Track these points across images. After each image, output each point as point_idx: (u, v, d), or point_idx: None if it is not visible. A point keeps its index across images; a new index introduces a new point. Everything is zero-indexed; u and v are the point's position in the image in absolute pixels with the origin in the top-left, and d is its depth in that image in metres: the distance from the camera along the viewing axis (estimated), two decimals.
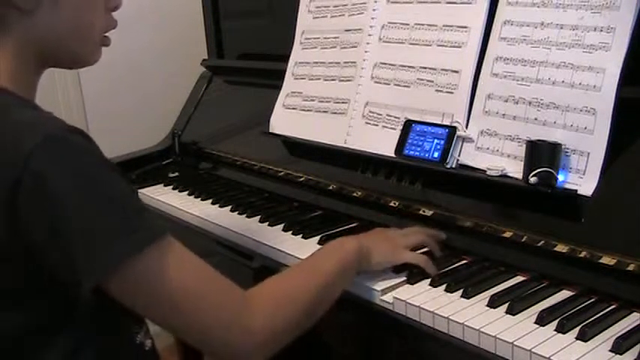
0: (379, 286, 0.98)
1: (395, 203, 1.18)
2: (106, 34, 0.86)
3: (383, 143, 1.23)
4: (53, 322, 0.77)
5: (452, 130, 1.12)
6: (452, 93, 1.15)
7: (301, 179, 1.37)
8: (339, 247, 0.95)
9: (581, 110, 0.98)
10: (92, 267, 0.70)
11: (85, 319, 0.78)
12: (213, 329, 0.76)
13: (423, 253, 1.03)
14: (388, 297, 0.96)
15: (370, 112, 1.28)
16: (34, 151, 0.68)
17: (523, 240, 0.98)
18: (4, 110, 0.74)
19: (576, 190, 0.96)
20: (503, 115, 1.07)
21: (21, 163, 0.68)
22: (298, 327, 0.83)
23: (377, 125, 1.26)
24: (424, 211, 1.13)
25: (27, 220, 0.69)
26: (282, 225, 1.25)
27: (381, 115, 1.26)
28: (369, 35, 1.32)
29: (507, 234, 1.01)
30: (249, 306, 0.78)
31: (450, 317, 0.88)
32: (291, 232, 1.22)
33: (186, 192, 1.52)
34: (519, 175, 1.02)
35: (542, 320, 0.85)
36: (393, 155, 1.20)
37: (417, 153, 1.16)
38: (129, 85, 2.17)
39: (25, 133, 0.70)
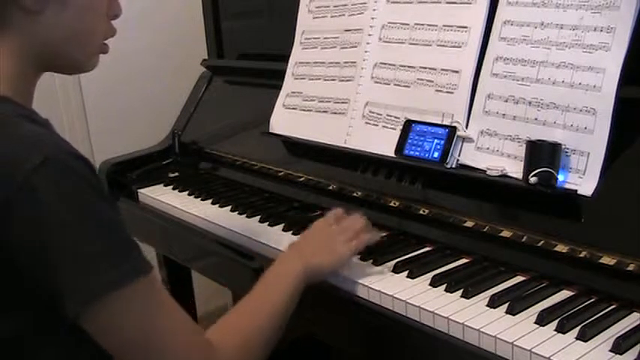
0: (378, 286, 0.98)
1: (395, 203, 1.18)
2: (105, 42, 0.87)
3: (383, 143, 1.22)
4: (44, 327, 0.77)
5: (452, 130, 1.12)
6: (452, 93, 1.15)
7: (301, 179, 1.37)
8: (286, 271, 0.95)
9: (581, 110, 0.98)
10: (76, 295, 0.70)
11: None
12: None
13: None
14: (388, 297, 0.96)
15: (370, 112, 1.28)
16: (33, 171, 0.68)
17: (523, 240, 0.98)
18: (4, 122, 0.74)
19: (576, 190, 0.96)
20: (504, 115, 1.07)
21: (19, 180, 0.68)
22: None
23: (377, 125, 1.26)
24: (424, 211, 1.13)
25: (18, 234, 0.69)
26: (282, 225, 1.25)
27: (381, 115, 1.26)
28: (369, 35, 1.32)
29: (507, 234, 1.00)
30: (214, 355, 0.80)
31: (450, 317, 0.88)
32: (291, 232, 1.22)
33: (186, 192, 1.52)
34: (519, 175, 1.02)
35: (542, 320, 0.85)
36: (393, 155, 1.20)
37: (417, 153, 1.16)
38: (129, 85, 2.17)
39: (26, 151, 0.70)
